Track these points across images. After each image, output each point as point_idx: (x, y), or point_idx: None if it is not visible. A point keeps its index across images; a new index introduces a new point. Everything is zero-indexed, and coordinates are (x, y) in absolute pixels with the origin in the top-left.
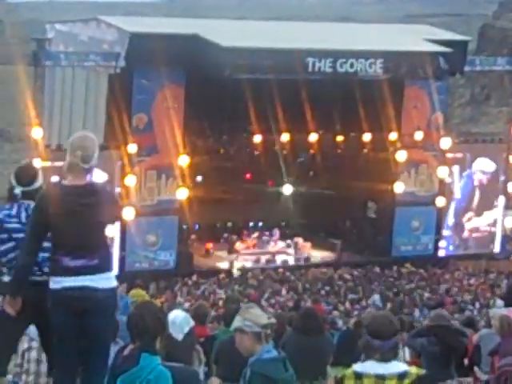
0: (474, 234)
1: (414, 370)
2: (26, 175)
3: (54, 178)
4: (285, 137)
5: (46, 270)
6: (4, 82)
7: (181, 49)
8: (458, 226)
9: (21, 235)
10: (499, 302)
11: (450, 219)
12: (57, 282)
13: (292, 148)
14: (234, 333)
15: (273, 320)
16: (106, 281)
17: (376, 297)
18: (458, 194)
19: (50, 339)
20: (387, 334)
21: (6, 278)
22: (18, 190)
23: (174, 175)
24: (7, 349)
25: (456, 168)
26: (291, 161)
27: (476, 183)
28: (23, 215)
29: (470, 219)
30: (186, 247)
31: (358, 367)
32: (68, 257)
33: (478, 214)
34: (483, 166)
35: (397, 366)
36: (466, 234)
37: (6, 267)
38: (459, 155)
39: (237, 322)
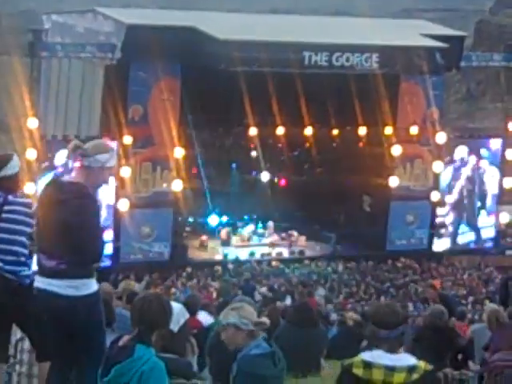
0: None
1: (422, 364)
2: None
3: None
4: (280, 130)
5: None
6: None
7: (177, 41)
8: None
9: None
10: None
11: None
12: (36, 281)
13: (287, 141)
14: (225, 326)
15: (266, 319)
16: (74, 289)
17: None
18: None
19: (32, 334)
20: (392, 323)
21: None
22: None
23: (169, 167)
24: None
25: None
26: (286, 154)
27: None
28: None
29: None
30: (181, 239)
31: (366, 356)
32: (44, 255)
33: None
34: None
35: (406, 359)
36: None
37: None
38: None
39: (232, 318)
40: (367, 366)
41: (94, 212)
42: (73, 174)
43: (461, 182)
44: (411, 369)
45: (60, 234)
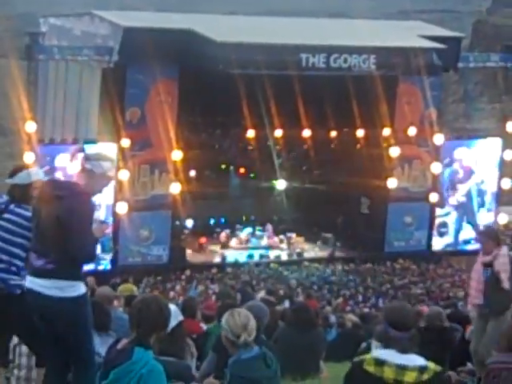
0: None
1: (432, 365)
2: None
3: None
4: (278, 132)
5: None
6: None
7: (174, 43)
8: None
9: None
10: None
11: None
12: (26, 281)
13: (285, 143)
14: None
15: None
16: (59, 290)
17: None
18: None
19: (27, 337)
20: (407, 325)
21: None
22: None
23: (168, 170)
24: None
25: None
26: (284, 156)
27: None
28: None
29: None
30: (179, 242)
31: (378, 354)
32: (35, 254)
33: None
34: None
35: (417, 359)
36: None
37: None
38: None
39: (223, 318)
40: (379, 363)
41: (87, 211)
42: (74, 178)
43: (461, 182)
44: (422, 369)
45: (51, 231)
